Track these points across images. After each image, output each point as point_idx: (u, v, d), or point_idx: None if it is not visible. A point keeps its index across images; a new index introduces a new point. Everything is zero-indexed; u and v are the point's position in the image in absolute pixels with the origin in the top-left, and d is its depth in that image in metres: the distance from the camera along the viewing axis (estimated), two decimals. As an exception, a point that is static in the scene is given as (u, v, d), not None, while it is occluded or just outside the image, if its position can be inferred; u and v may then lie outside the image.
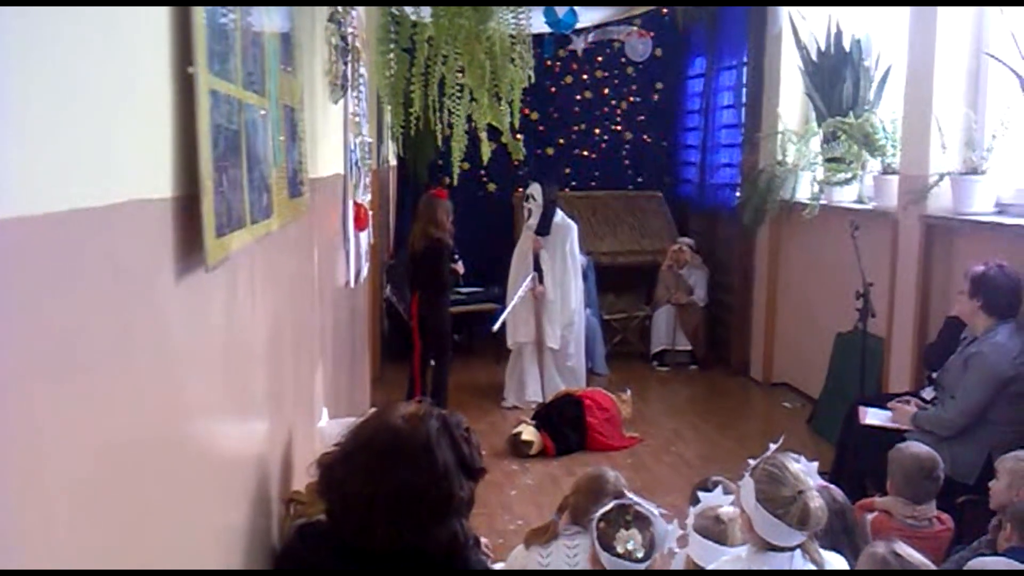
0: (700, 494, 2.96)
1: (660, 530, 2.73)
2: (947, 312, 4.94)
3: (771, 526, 2.48)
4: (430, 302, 6.52)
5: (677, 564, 3.00)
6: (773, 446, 2.66)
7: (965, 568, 2.95)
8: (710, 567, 2.68)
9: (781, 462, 2.56)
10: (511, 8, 3.61)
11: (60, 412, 1.06)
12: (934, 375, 4.74)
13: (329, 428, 3.10)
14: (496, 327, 7.02)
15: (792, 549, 2.51)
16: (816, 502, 2.49)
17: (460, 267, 6.72)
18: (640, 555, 2.67)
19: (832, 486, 3.18)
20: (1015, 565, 2.82)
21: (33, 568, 0.99)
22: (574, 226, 7.33)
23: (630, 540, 2.66)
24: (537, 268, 7.08)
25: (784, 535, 2.49)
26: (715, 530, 2.77)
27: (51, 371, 1.05)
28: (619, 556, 2.67)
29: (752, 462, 2.62)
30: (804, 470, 2.58)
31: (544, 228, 7.09)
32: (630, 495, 2.86)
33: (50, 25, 1.04)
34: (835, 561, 2.62)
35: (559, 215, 7.21)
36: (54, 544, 1.04)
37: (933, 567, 2.53)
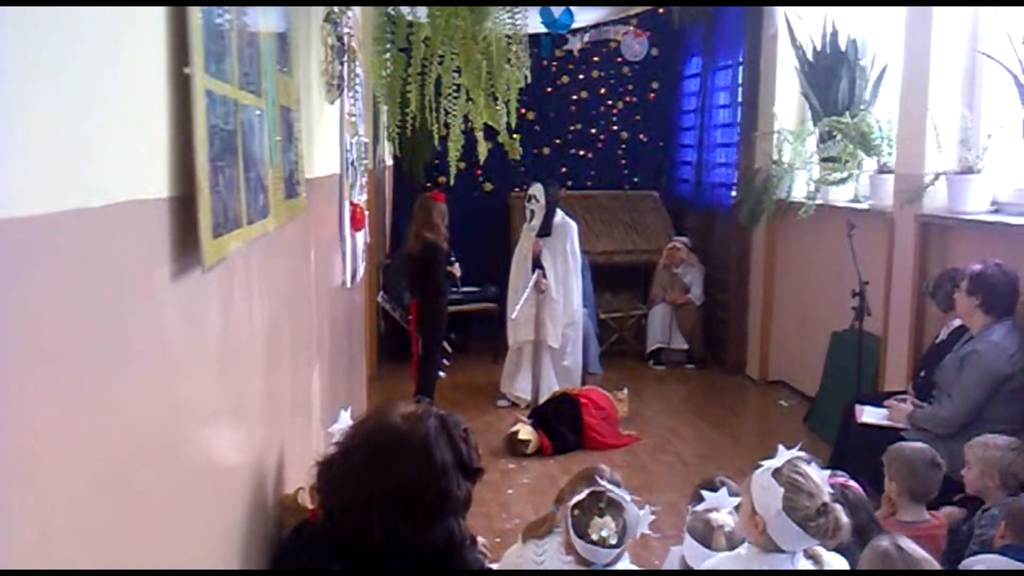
0: (705, 493, 2.94)
1: (632, 516, 2.74)
2: (941, 312, 4.95)
3: (792, 534, 2.40)
4: (426, 305, 6.53)
5: (671, 561, 3.01)
6: (796, 451, 2.58)
7: (960, 567, 2.96)
8: (706, 563, 2.68)
9: (806, 471, 2.49)
10: (507, 8, 3.61)
11: (56, 412, 1.07)
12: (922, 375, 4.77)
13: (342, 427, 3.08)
14: (515, 315, 7.01)
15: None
16: (845, 517, 2.44)
17: (457, 270, 6.71)
18: (613, 541, 2.70)
19: (853, 485, 3.16)
20: (1012, 564, 2.83)
21: (30, 568, 0.99)
22: (574, 225, 7.32)
23: (604, 528, 2.68)
24: (538, 268, 7.07)
25: (801, 542, 2.45)
26: (702, 532, 2.77)
27: (47, 372, 1.05)
28: (593, 543, 2.69)
29: (766, 464, 2.54)
30: (822, 477, 2.53)
31: (545, 229, 7.08)
32: (608, 485, 2.84)
33: (46, 25, 1.04)
34: (836, 562, 2.61)
35: (559, 215, 7.20)
36: (50, 544, 1.04)
37: (935, 562, 2.53)
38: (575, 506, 2.74)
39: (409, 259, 6.60)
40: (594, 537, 2.68)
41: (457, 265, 6.71)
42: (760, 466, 2.51)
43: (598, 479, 3.09)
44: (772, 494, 2.42)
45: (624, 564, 2.85)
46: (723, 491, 2.89)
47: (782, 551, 2.45)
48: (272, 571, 2.27)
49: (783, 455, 2.51)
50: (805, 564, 2.49)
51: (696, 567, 2.73)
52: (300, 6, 3.11)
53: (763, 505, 2.43)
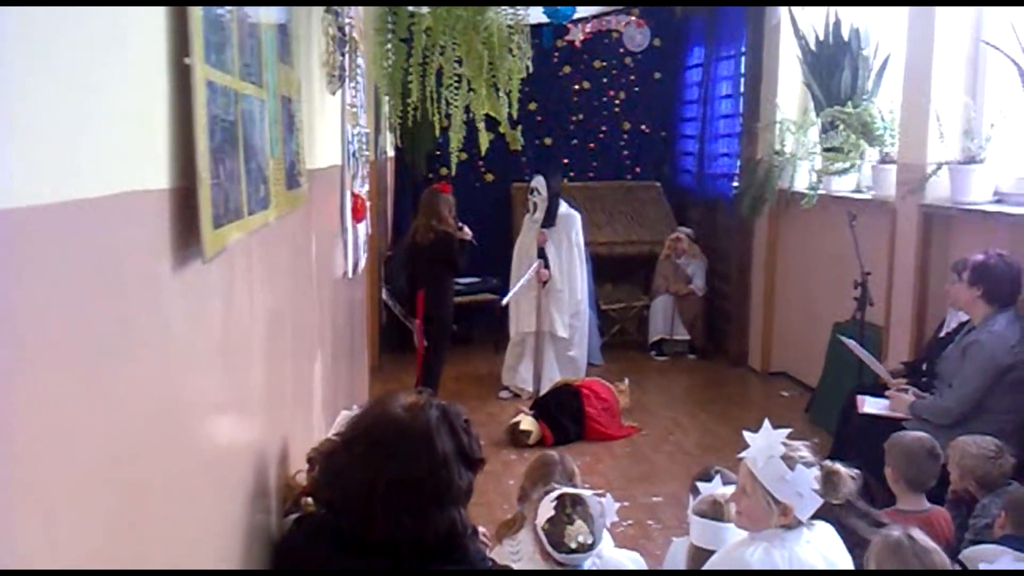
0: (700, 484, 2.97)
1: (595, 507, 2.75)
2: (945, 302, 4.95)
3: (813, 504, 2.52)
4: (437, 295, 6.48)
5: (677, 550, 3.01)
6: (782, 431, 2.64)
7: (960, 557, 2.96)
8: (719, 552, 2.68)
9: (797, 445, 2.61)
10: (508, 0, 3.61)
11: (57, 403, 1.07)
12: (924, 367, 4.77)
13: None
14: (505, 301, 7.00)
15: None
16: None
17: (467, 232, 6.55)
18: (590, 542, 2.70)
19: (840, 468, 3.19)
20: (1014, 555, 2.83)
21: (32, 568, 0.99)
22: (577, 216, 7.31)
23: (579, 534, 2.67)
24: (540, 259, 7.05)
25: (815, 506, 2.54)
26: (712, 511, 2.80)
27: (48, 362, 1.05)
28: (574, 552, 2.68)
29: (759, 451, 2.59)
30: (806, 444, 2.60)
31: (549, 221, 7.07)
32: (561, 485, 2.85)
33: (47, 17, 1.04)
34: (824, 528, 2.62)
35: (563, 205, 7.19)
36: (51, 540, 1.04)
37: (945, 556, 2.53)
38: (546, 521, 2.72)
39: (418, 250, 6.52)
40: (572, 546, 2.67)
41: (466, 229, 6.57)
42: (755, 458, 2.56)
43: (551, 466, 3.14)
44: (801, 477, 2.51)
45: (604, 542, 2.86)
46: (717, 480, 2.94)
47: (792, 527, 2.49)
48: (272, 571, 2.26)
49: (767, 430, 2.55)
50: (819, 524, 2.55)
51: (710, 547, 2.74)
52: (301, 6, 3.10)
53: (791, 494, 2.51)
